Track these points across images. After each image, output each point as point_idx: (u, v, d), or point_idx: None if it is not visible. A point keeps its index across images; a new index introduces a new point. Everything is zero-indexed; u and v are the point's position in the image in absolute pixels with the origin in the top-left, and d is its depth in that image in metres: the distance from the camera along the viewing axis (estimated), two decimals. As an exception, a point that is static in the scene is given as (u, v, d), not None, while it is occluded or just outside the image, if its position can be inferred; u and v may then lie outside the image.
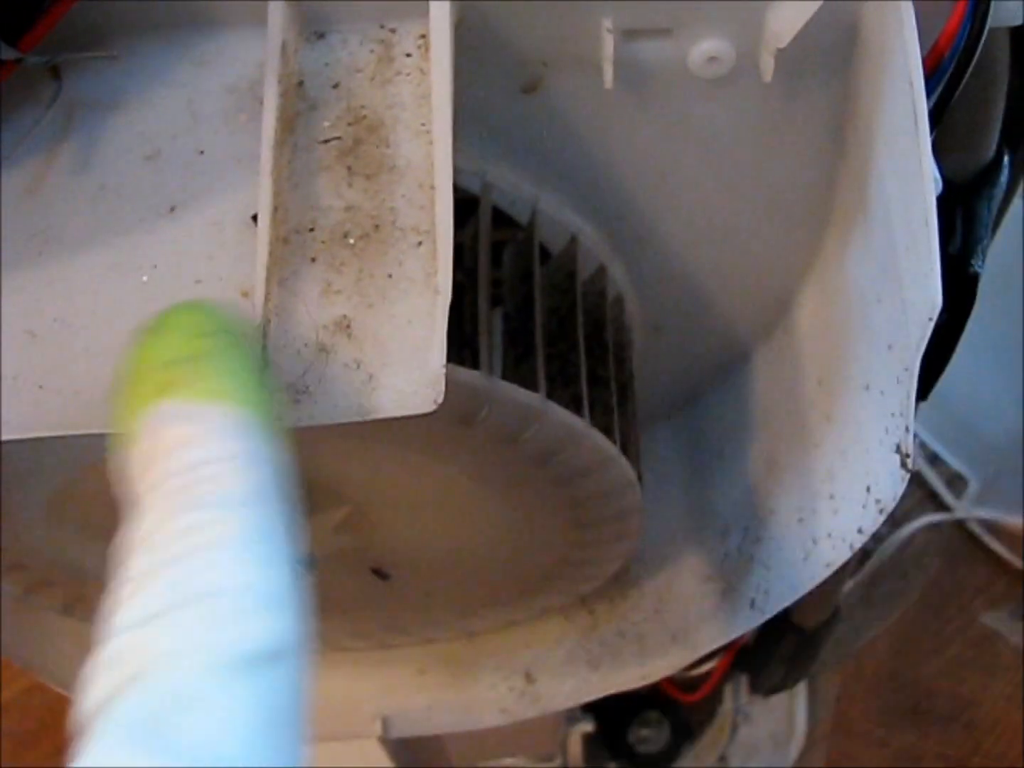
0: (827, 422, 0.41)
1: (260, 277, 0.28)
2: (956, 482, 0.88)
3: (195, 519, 0.23)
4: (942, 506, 0.87)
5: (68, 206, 0.30)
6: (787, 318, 0.44)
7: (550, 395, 0.35)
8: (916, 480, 0.87)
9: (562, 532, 0.39)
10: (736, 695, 0.74)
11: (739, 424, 0.47)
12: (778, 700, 0.77)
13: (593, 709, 0.66)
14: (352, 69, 0.31)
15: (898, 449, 0.34)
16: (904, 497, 0.36)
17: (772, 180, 0.38)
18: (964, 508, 0.87)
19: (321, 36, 0.32)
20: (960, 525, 0.87)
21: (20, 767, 0.79)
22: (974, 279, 0.40)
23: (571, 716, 0.64)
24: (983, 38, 0.34)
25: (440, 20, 0.30)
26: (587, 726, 0.64)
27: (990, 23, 0.34)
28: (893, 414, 0.34)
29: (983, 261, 0.40)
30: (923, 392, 0.47)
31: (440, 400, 0.26)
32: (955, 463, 0.88)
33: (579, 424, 0.34)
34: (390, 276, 0.28)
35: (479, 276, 0.36)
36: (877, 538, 0.84)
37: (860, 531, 0.38)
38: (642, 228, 0.39)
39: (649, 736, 0.73)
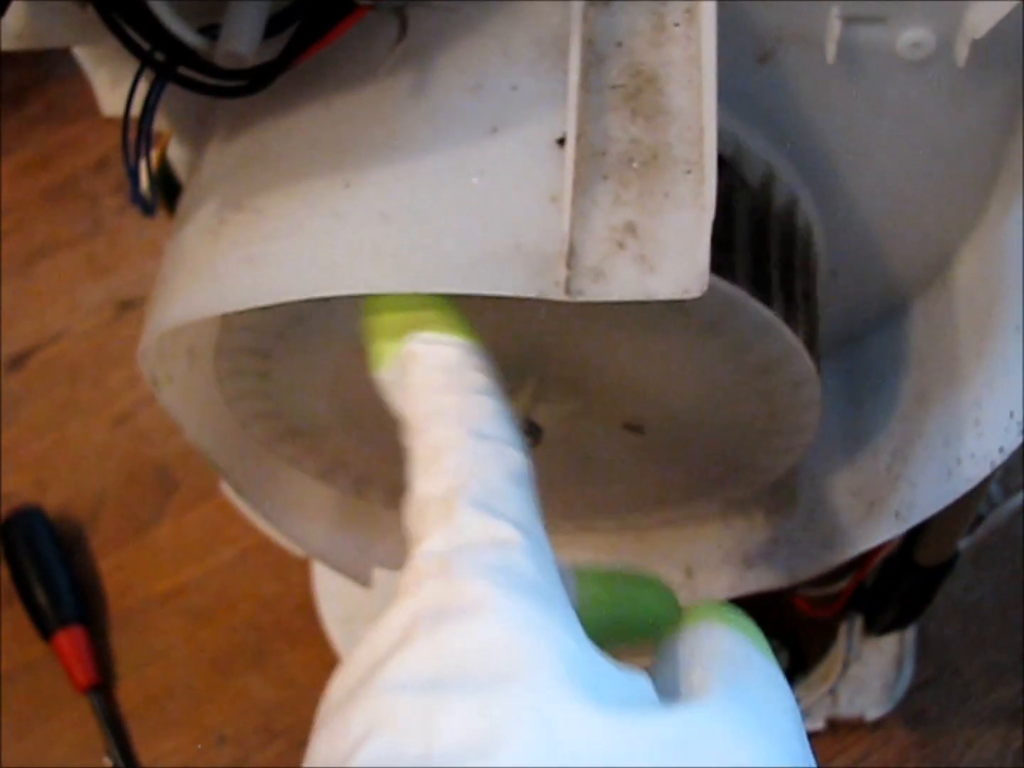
0: (977, 359, 0.48)
1: (567, 186, 0.36)
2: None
3: (464, 401, 0.34)
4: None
5: (407, 123, 0.38)
6: (946, 273, 0.52)
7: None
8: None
9: (752, 417, 0.47)
10: (851, 634, 0.81)
11: (895, 364, 0.54)
12: (888, 643, 0.83)
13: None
14: (632, 32, 0.39)
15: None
16: (1018, 468, 0.43)
17: (950, 149, 0.46)
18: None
19: (607, 2, 0.40)
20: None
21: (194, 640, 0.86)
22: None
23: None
24: None
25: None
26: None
27: None
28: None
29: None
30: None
31: (705, 289, 0.34)
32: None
33: (777, 322, 0.42)
34: (666, 195, 0.36)
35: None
36: (991, 504, 0.90)
37: (1001, 450, 0.45)
38: (836, 180, 0.47)
39: (767, 663, 0.80)
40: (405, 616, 0.29)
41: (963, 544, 0.89)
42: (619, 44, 0.39)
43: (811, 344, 0.44)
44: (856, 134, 0.45)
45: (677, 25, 0.39)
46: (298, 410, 0.49)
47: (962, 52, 0.41)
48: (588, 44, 0.39)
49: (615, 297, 0.35)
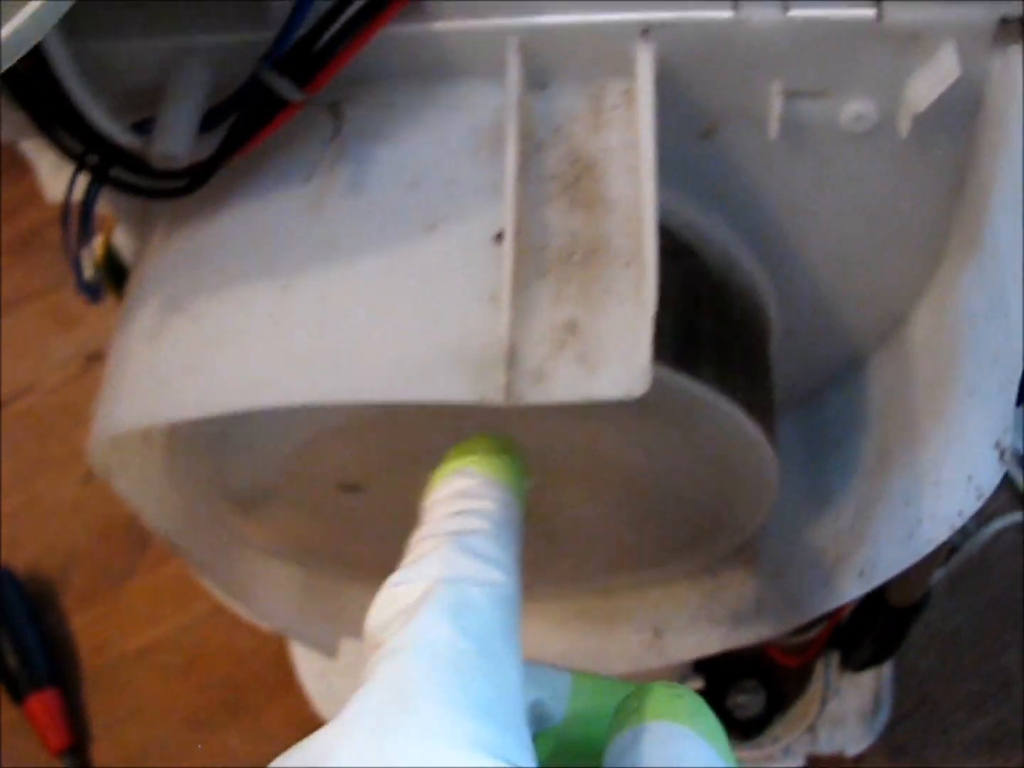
0: (935, 420, 0.47)
1: (506, 285, 0.35)
2: (1042, 485, 0.94)
3: (463, 518, 0.33)
4: (1028, 508, 0.94)
5: (344, 222, 0.38)
6: (902, 330, 0.51)
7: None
8: (1004, 480, 0.93)
9: (713, 488, 0.47)
10: (827, 670, 0.81)
11: (855, 420, 0.54)
12: (866, 678, 0.83)
13: (701, 668, 0.73)
14: (570, 118, 0.39)
15: (997, 445, 0.41)
16: (992, 496, 0.43)
17: (898, 216, 0.46)
18: (1049, 510, 0.93)
19: (544, 87, 0.40)
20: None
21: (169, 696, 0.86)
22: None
23: (684, 674, 0.71)
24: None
25: (645, 81, 0.38)
26: (697, 683, 0.72)
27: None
28: (994, 416, 0.41)
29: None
30: (1021, 398, 0.54)
31: (647, 387, 0.34)
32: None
33: (739, 415, 0.42)
34: (607, 290, 0.36)
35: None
36: (965, 533, 0.90)
37: (960, 513, 0.45)
38: (787, 248, 0.47)
39: (746, 703, 0.80)
40: (351, 724, 0.28)
41: (938, 575, 0.89)
42: (557, 130, 0.39)
43: (770, 425, 0.44)
44: (803, 204, 0.45)
45: (616, 108, 0.39)
46: (252, 486, 0.49)
47: (905, 124, 0.41)
48: (525, 132, 0.38)
49: (556, 399, 0.34)
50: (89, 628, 0.87)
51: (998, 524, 0.91)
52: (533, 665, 0.37)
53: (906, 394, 0.50)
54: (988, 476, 0.42)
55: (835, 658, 0.81)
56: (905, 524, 0.48)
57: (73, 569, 0.89)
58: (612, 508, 0.49)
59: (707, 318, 0.43)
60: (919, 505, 0.48)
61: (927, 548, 0.47)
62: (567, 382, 0.34)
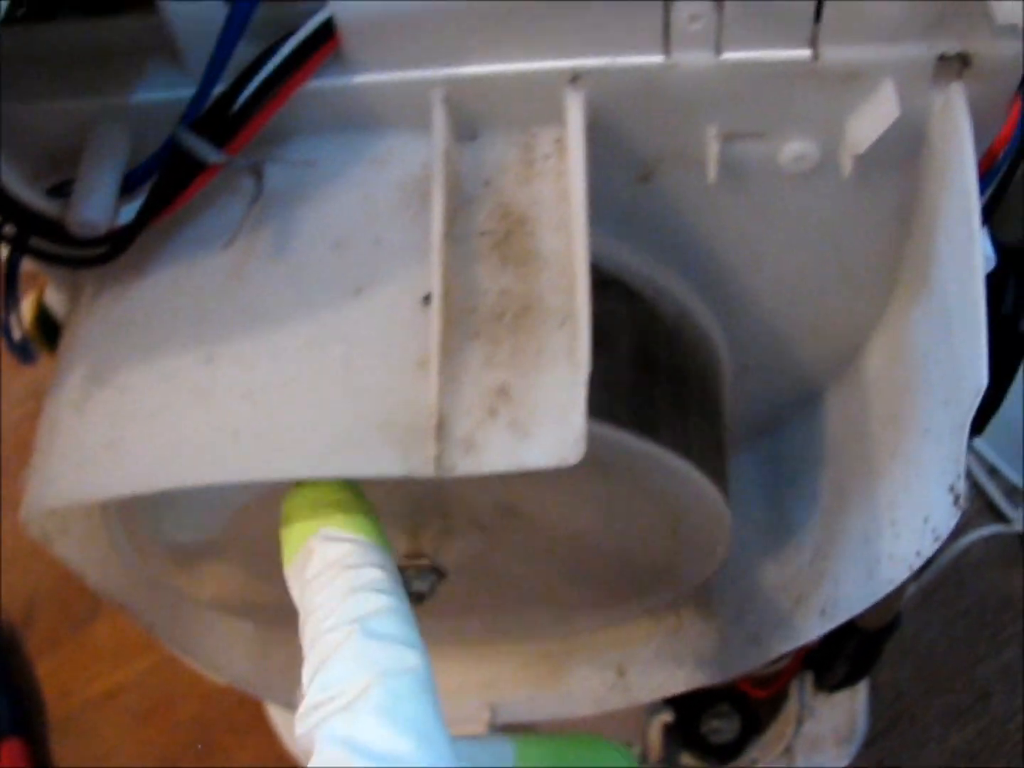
0: (891, 458, 0.46)
1: (435, 351, 0.34)
2: (1014, 494, 0.93)
3: (357, 599, 0.32)
4: (1000, 517, 0.93)
5: (268, 288, 0.37)
6: (857, 364, 0.50)
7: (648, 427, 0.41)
8: (976, 490, 0.92)
9: (662, 538, 0.46)
10: (802, 692, 0.80)
11: (813, 455, 0.53)
12: (841, 697, 0.82)
13: (670, 700, 0.72)
14: (500, 169, 0.38)
15: (952, 489, 0.40)
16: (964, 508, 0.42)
17: (846, 254, 0.45)
18: (1021, 518, 0.92)
19: (474, 138, 0.38)
20: (1018, 536, 0.92)
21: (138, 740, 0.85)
22: (1022, 338, 0.46)
23: (652, 707, 0.70)
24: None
25: (575, 130, 0.37)
26: (667, 716, 0.71)
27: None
28: (947, 460, 0.40)
29: (1032, 319, 0.46)
30: (978, 429, 0.53)
31: (581, 455, 0.33)
32: (1013, 476, 0.93)
33: (683, 465, 0.40)
34: (539, 351, 0.34)
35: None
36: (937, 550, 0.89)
37: (918, 554, 0.44)
38: (734, 288, 0.46)
39: (720, 727, 0.79)
40: None
41: (911, 588, 0.88)
42: (487, 183, 0.38)
43: (723, 477, 0.43)
44: (749, 243, 0.44)
45: (548, 158, 0.38)
46: (194, 545, 0.48)
47: (847, 164, 0.39)
48: (453, 187, 0.37)
49: (487, 470, 0.33)
50: (54, 673, 0.86)
51: (971, 535, 0.90)
52: (475, 740, 0.36)
53: (863, 428, 0.49)
54: (944, 519, 0.41)
55: (809, 679, 0.80)
56: (865, 563, 0.47)
57: (36, 613, 0.88)
58: (561, 563, 0.48)
59: (661, 372, 0.42)
60: (878, 544, 0.47)
61: (887, 588, 0.46)
62: (498, 451, 0.33)
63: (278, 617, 0.51)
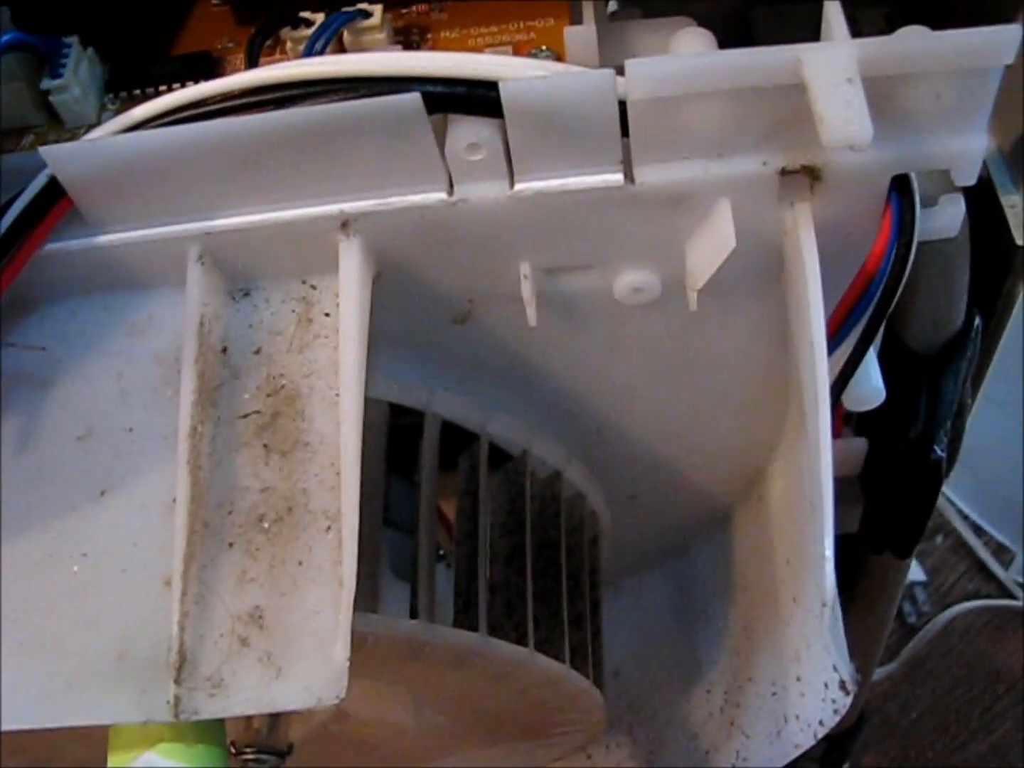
0: (794, 604, 0.41)
1: (178, 570, 0.29)
2: (1001, 553, 0.87)
3: None
4: (990, 577, 0.86)
5: (9, 488, 0.31)
6: (761, 485, 0.45)
7: (502, 610, 0.36)
8: (963, 551, 0.86)
9: (527, 723, 0.40)
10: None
11: (722, 583, 0.47)
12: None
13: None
14: (273, 332, 0.32)
15: (835, 668, 0.34)
16: (950, 569, 0.36)
17: (720, 377, 0.39)
18: (1011, 580, 0.86)
19: (247, 294, 0.33)
20: (1008, 597, 0.86)
21: None
22: (937, 465, 0.40)
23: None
24: (912, 254, 0.34)
25: (349, 284, 0.31)
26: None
27: (919, 238, 0.34)
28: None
29: (946, 443, 0.40)
30: (904, 553, 0.48)
31: (343, 695, 0.27)
32: (999, 535, 0.87)
33: (523, 653, 0.35)
34: (300, 563, 0.29)
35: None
36: (920, 614, 0.83)
37: (821, 723, 0.38)
38: (597, 425, 0.40)
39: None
40: None
41: (896, 662, 0.82)
42: (258, 351, 0.32)
43: (598, 661, 0.38)
44: (603, 378, 0.38)
45: (328, 315, 0.32)
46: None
47: (691, 297, 0.34)
48: (219, 355, 0.32)
49: (236, 713, 0.28)
50: None
51: (957, 607, 0.84)
52: None
53: (768, 563, 0.44)
54: (839, 695, 0.35)
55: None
56: (773, 720, 0.42)
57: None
58: (425, 729, 0.42)
59: (529, 557, 0.37)
60: (785, 699, 0.41)
61: (795, 752, 0.40)
62: (249, 691, 0.28)
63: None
